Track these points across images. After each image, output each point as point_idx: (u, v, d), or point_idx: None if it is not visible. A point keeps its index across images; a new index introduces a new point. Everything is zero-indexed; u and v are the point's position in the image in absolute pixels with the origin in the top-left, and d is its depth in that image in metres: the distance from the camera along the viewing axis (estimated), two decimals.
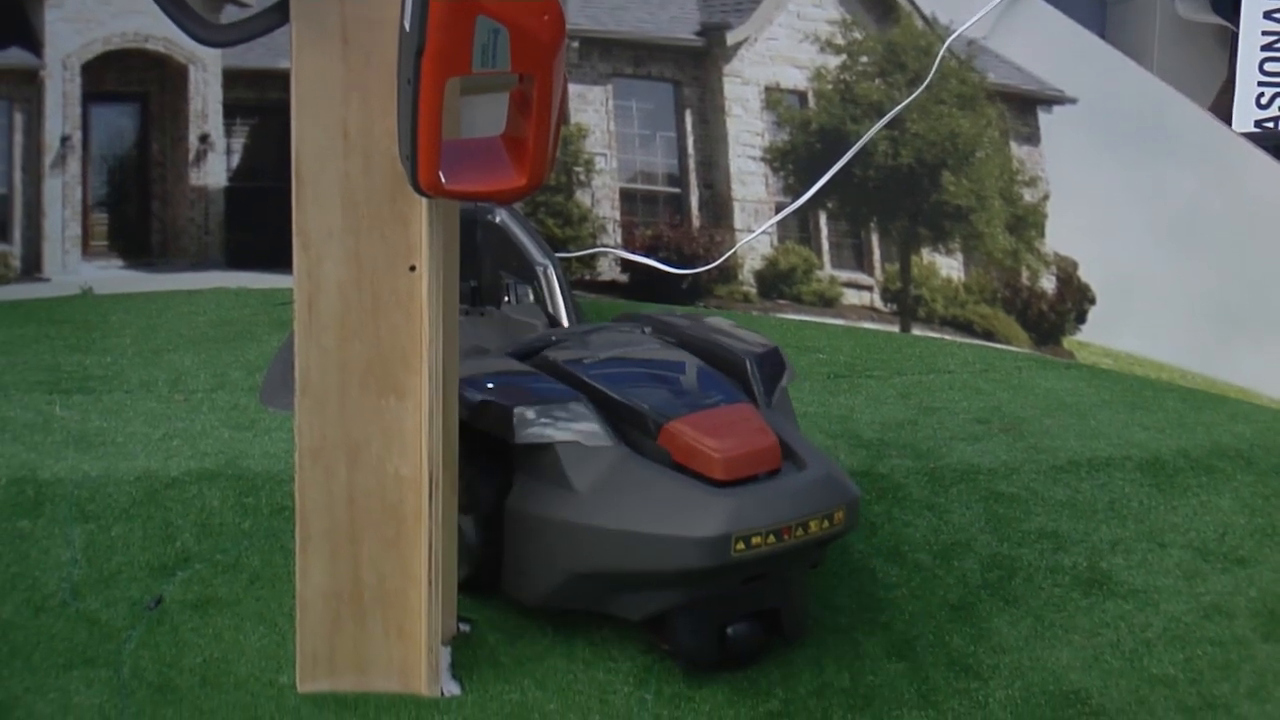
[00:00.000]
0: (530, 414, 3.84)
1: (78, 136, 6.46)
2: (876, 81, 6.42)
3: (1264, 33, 6.57)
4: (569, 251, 6.64)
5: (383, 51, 3.42)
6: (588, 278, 6.73)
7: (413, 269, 3.60)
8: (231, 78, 6.58)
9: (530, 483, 3.88)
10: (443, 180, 3.39)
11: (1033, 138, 6.25)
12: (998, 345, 6.30)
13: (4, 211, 6.43)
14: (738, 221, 6.64)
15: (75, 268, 6.52)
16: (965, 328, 6.37)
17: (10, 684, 3.75)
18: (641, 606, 3.81)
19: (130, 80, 6.55)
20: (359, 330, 3.63)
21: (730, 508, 3.63)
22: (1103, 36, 6.52)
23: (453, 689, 3.82)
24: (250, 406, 5.16)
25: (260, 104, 6.61)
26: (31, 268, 6.48)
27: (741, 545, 3.60)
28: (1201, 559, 4.58)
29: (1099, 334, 6.16)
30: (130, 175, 6.63)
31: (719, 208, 6.66)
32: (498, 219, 6.10)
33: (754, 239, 6.58)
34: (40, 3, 6.40)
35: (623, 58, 6.71)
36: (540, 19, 3.28)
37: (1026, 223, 6.25)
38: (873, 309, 6.53)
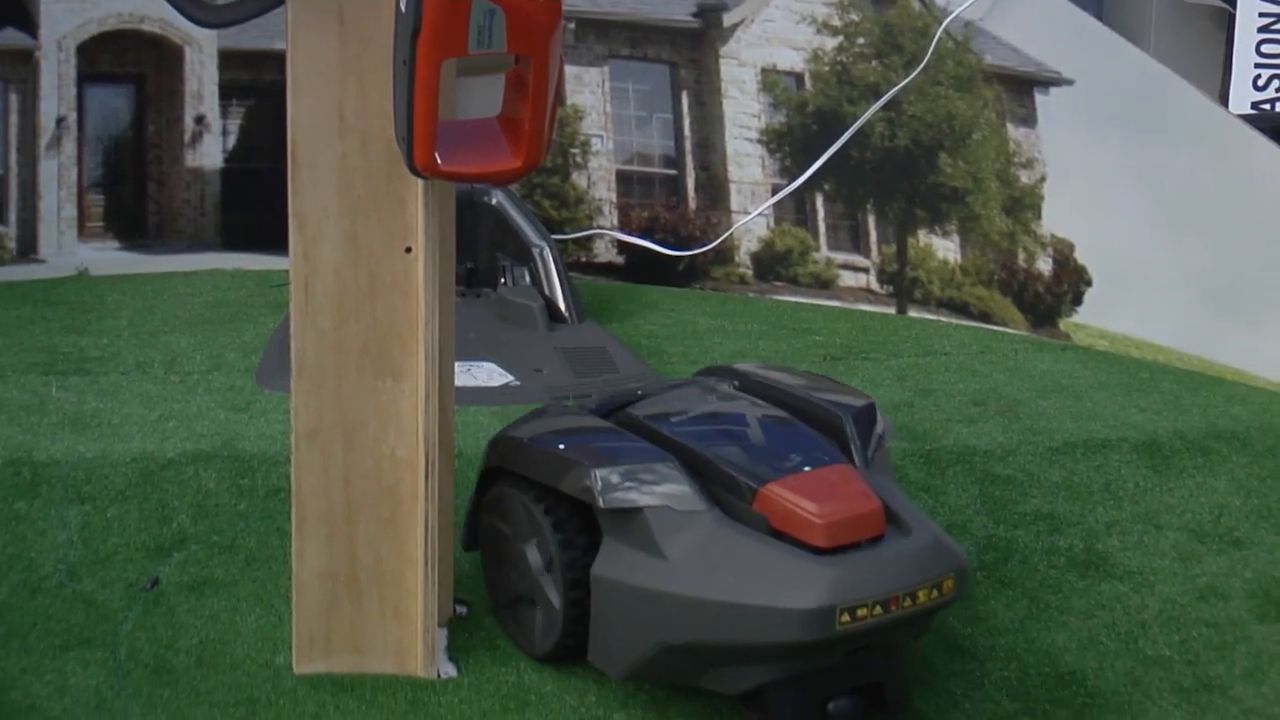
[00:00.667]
0: (615, 477, 3.60)
1: (73, 118, 6.45)
2: (873, 63, 6.41)
3: (1261, 14, 6.57)
4: (565, 233, 6.63)
5: (379, 33, 3.41)
6: (584, 259, 6.73)
7: (409, 251, 3.60)
8: (227, 59, 6.56)
9: (618, 548, 3.62)
10: (439, 162, 3.38)
11: (1029, 119, 6.24)
12: (994, 327, 6.31)
13: (0, 193, 6.42)
14: (734, 203, 6.63)
15: (71, 249, 6.51)
16: (962, 309, 6.37)
17: (6, 665, 3.75)
18: (737, 681, 3.56)
19: (125, 61, 6.54)
20: (355, 312, 3.63)
21: (834, 578, 3.40)
22: (1100, 18, 6.51)
23: (449, 670, 3.83)
24: (246, 388, 5.16)
25: (256, 85, 6.59)
26: (27, 249, 6.47)
27: (847, 617, 3.38)
28: (1197, 540, 4.59)
29: (1095, 316, 6.16)
30: (126, 156, 6.61)
31: (715, 189, 6.66)
32: (494, 201, 6.10)
33: (750, 221, 6.58)
34: None
35: (619, 39, 6.70)
36: (537, 0, 3.28)
37: (1023, 204, 6.24)
38: (869, 291, 6.53)
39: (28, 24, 6.40)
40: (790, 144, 6.56)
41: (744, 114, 6.61)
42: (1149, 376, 5.77)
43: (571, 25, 6.61)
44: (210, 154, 6.61)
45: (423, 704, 3.70)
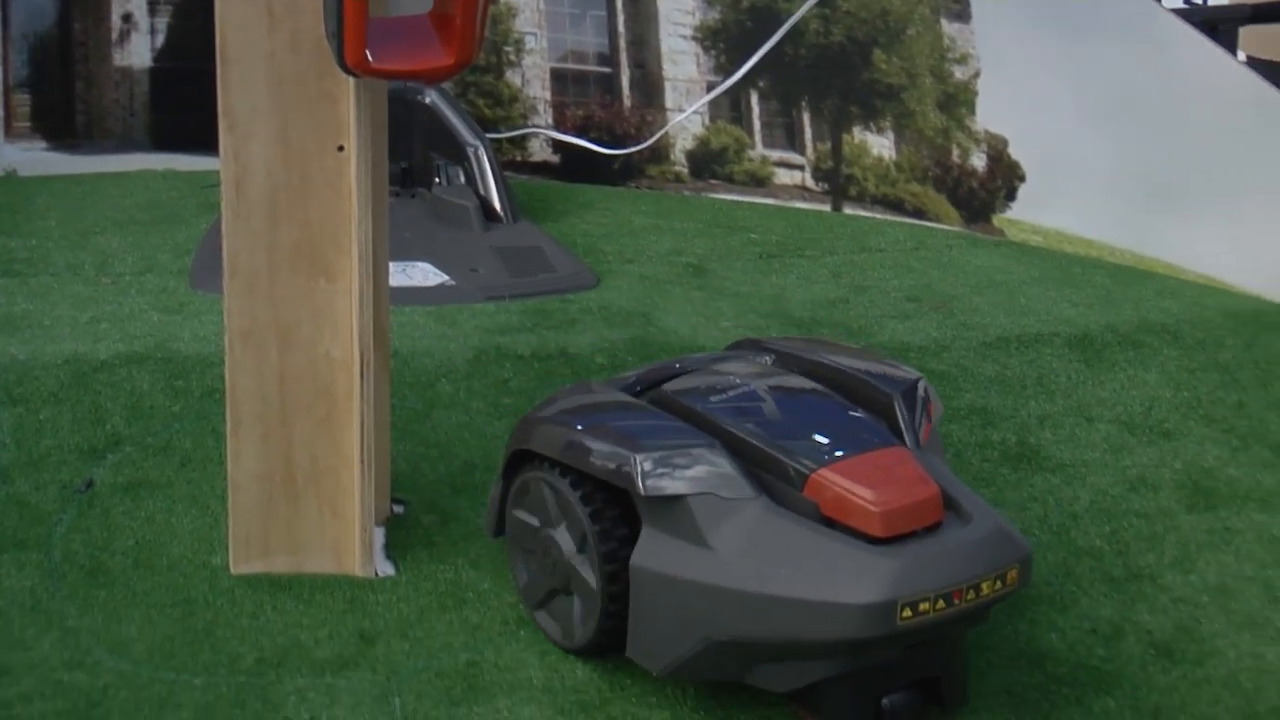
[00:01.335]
0: (651, 464, 3.37)
1: None
2: None
3: None
4: (499, 132, 6.60)
5: None
6: (519, 159, 6.70)
7: (341, 149, 3.58)
8: None
9: (659, 537, 3.40)
10: (370, 59, 3.36)
11: (964, 15, 6.23)
12: (928, 223, 6.32)
13: None
14: (669, 101, 6.61)
15: None
16: (896, 206, 6.38)
17: None
18: (789, 678, 3.36)
19: None
20: (288, 212, 3.60)
21: (894, 570, 3.20)
22: None
23: (387, 569, 3.84)
24: (179, 289, 5.13)
25: None
26: None
27: (908, 612, 3.18)
28: (1128, 433, 4.64)
29: (1029, 211, 6.18)
30: (52, 56, 6.52)
31: (650, 87, 6.62)
32: (428, 100, 6.05)
33: (685, 119, 6.56)
34: None
35: None
36: None
37: (957, 100, 6.24)
38: (804, 188, 6.53)
39: None
40: (725, 41, 6.52)
41: (678, 10, 6.56)
42: (1081, 271, 5.80)
43: None
44: (139, 53, 6.52)
45: (361, 602, 3.72)
